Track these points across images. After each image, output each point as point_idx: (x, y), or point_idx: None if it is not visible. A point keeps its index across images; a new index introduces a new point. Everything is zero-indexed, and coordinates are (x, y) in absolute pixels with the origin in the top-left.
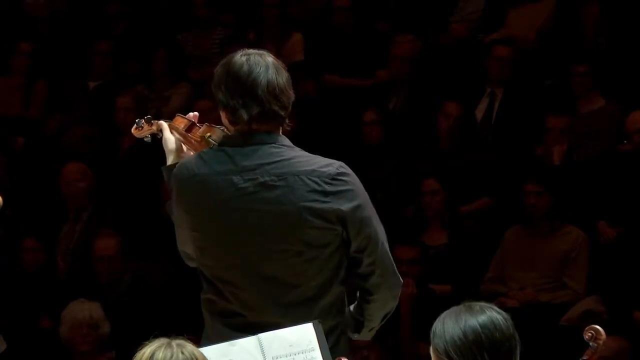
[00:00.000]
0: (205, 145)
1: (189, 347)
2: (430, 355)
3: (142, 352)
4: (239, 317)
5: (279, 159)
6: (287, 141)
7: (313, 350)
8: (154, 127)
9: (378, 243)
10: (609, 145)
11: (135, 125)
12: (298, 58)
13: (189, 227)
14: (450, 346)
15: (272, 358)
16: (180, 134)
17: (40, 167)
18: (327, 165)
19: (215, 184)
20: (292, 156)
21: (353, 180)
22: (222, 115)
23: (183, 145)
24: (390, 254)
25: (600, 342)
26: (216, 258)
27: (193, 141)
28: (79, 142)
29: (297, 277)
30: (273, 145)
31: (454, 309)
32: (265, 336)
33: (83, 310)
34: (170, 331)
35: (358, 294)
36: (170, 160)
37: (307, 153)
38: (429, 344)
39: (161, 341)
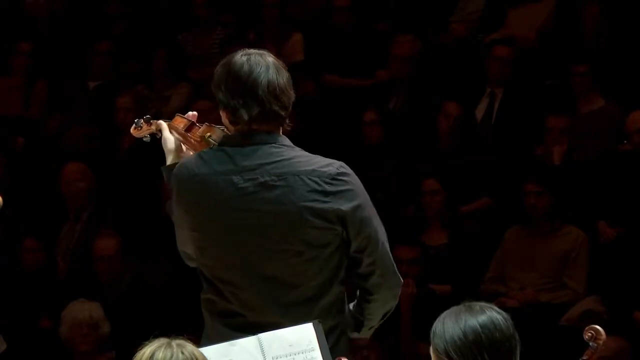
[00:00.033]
0: (205, 145)
1: (189, 347)
2: (430, 355)
3: (142, 352)
4: (239, 317)
5: (279, 158)
6: (287, 141)
7: (313, 350)
8: (153, 127)
9: (378, 243)
10: (609, 145)
11: (134, 125)
12: (298, 58)
13: (189, 227)
14: (450, 346)
15: (272, 358)
16: (179, 133)
17: (40, 167)
18: (328, 165)
19: (215, 184)
20: (293, 156)
21: (353, 180)
22: (222, 115)
23: (182, 145)
24: (390, 254)
25: (600, 342)
26: (216, 258)
27: (193, 141)
28: (79, 142)
29: (297, 277)
30: (273, 145)
31: (454, 309)
32: (265, 336)
33: (83, 310)
34: (170, 331)
35: (358, 293)
36: (169, 160)
37: (307, 153)
38: (429, 344)
39: (161, 341)
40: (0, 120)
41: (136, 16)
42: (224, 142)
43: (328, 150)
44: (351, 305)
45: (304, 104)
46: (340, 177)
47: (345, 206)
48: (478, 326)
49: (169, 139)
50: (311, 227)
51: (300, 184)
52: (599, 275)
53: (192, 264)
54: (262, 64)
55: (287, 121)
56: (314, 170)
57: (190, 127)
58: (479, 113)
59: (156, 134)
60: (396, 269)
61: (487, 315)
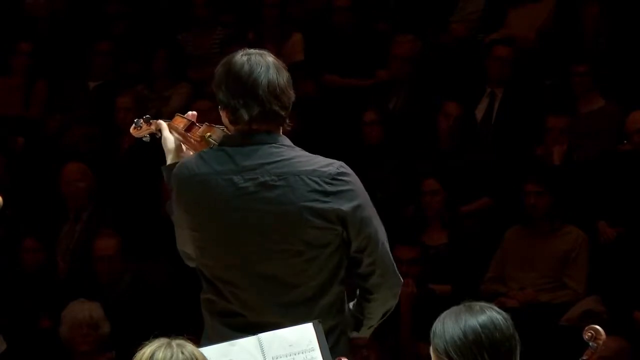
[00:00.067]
0: (205, 145)
1: (189, 347)
2: (430, 355)
3: (142, 352)
4: (239, 317)
5: (279, 158)
6: (287, 141)
7: (313, 350)
8: (153, 127)
9: (378, 243)
10: (609, 145)
11: (133, 125)
12: (298, 58)
13: (189, 227)
14: (450, 346)
15: (272, 358)
16: (179, 133)
17: (40, 167)
18: (328, 165)
19: (215, 184)
20: (293, 156)
21: (353, 180)
22: (223, 115)
23: (182, 144)
24: (390, 254)
25: (600, 342)
26: (216, 258)
27: (193, 141)
28: (79, 142)
29: (297, 277)
30: (273, 145)
31: (454, 309)
32: (265, 336)
33: (83, 310)
34: (170, 331)
35: (358, 293)
36: (169, 159)
37: (307, 153)
38: (429, 344)
39: (161, 341)
40: (0, 120)
41: (136, 16)
42: (224, 142)
43: (328, 150)
44: (351, 305)
45: (304, 104)
46: (340, 177)
47: (346, 206)
48: (478, 326)
49: (169, 138)
50: (311, 227)
51: (300, 184)
52: (599, 275)
53: (191, 264)
54: (263, 64)
55: (287, 121)
56: (314, 170)
57: (190, 127)
58: (479, 113)
59: (156, 133)
60: (396, 268)
61: (487, 315)
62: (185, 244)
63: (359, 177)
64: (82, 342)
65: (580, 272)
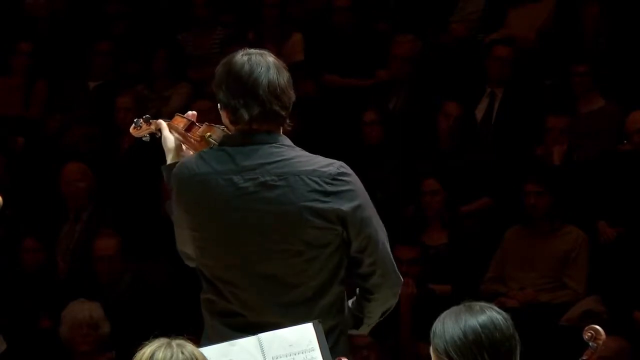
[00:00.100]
0: (205, 145)
1: (189, 347)
2: (430, 355)
3: (142, 352)
4: (239, 317)
5: (279, 158)
6: (287, 141)
7: (313, 350)
8: (153, 127)
9: (378, 243)
10: (609, 145)
11: (133, 124)
12: (298, 58)
13: (188, 226)
14: (450, 346)
15: (272, 358)
16: (179, 133)
17: (40, 167)
18: (328, 165)
19: (215, 184)
20: (293, 156)
21: (354, 180)
22: (223, 114)
23: (182, 144)
24: (391, 254)
25: (600, 342)
26: (216, 258)
27: (192, 140)
28: (79, 142)
29: (297, 277)
30: (274, 145)
31: (454, 309)
32: (265, 336)
33: (83, 310)
34: (170, 331)
35: (358, 292)
36: (169, 159)
37: (307, 153)
38: (429, 344)
39: (161, 341)
40: (0, 120)
41: (136, 16)
42: (225, 141)
43: (328, 150)
44: (350, 302)
45: (304, 104)
46: (340, 177)
47: (346, 206)
48: (478, 326)
49: (169, 138)
50: (311, 227)
51: (300, 184)
52: (599, 275)
53: (191, 264)
54: (263, 64)
55: (288, 121)
56: (314, 170)
57: (190, 126)
58: (479, 113)
59: (155, 133)
60: (396, 268)
61: (487, 315)
62: (185, 244)
63: (359, 177)
64: (82, 342)
65: (580, 272)
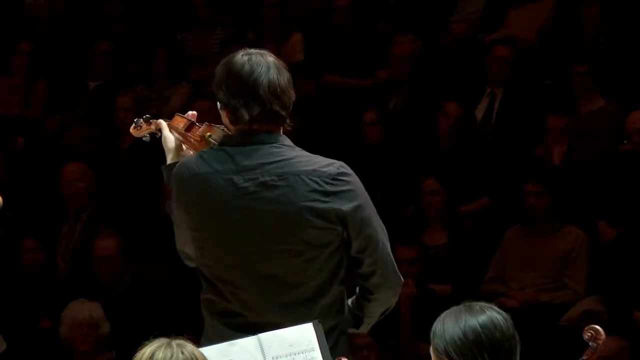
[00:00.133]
0: (205, 145)
1: (189, 347)
2: (430, 355)
3: (142, 352)
4: (238, 317)
5: (279, 158)
6: (287, 141)
7: (313, 350)
8: (153, 127)
9: (379, 243)
10: (609, 145)
11: (133, 124)
12: (298, 58)
13: (188, 226)
14: (450, 346)
15: (272, 358)
16: (179, 133)
17: (40, 167)
18: (328, 165)
19: (215, 184)
20: (293, 156)
21: (354, 180)
22: (223, 114)
23: (182, 144)
24: (391, 254)
25: (600, 342)
26: (216, 258)
27: (193, 140)
28: (79, 142)
29: (297, 277)
30: (274, 145)
31: (454, 309)
32: (265, 336)
33: (83, 310)
34: (170, 331)
35: (358, 291)
36: (169, 159)
37: (307, 153)
38: (429, 344)
39: (161, 341)
40: (0, 120)
41: (136, 16)
42: (225, 141)
43: (328, 150)
44: (349, 301)
45: (304, 104)
46: (340, 177)
47: (346, 206)
48: (478, 326)
49: (169, 137)
50: (311, 227)
51: (300, 184)
52: (599, 275)
53: (191, 264)
54: (263, 63)
55: (288, 121)
56: (314, 170)
57: (190, 126)
58: (479, 113)
59: (156, 133)
60: (397, 268)
61: (487, 315)
62: (185, 244)
63: (359, 177)
64: (82, 342)
65: (580, 272)
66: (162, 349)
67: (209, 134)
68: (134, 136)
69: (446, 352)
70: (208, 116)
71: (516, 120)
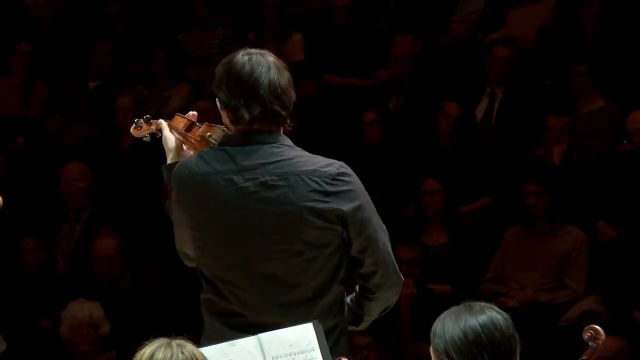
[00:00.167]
0: (205, 145)
1: (189, 347)
2: (430, 355)
3: (142, 352)
4: (238, 317)
5: (279, 158)
6: (288, 141)
7: (313, 350)
8: (153, 127)
9: (379, 243)
10: (609, 145)
11: (133, 124)
12: (298, 58)
13: (188, 226)
14: (450, 346)
15: (272, 358)
16: (179, 133)
17: (40, 167)
18: (328, 165)
19: (215, 184)
20: (293, 156)
21: (354, 180)
22: (223, 114)
23: (183, 144)
24: (392, 254)
25: (600, 342)
26: (216, 258)
27: (193, 140)
28: (79, 142)
29: (297, 277)
30: (274, 145)
31: (454, 309)
32: (265, 336)
33: (83, 310)
34: (170, 331)
35: (358, 289)
36: (169, 158)
37: (308, 153)
38: (429, 344)
39: (161, 341)
40: (0, 120)
41: (136, 16)
42: (225, 141)
43: (328, 150)
44: (348, 299)
45: (304, 104)
46: (341, 178)
47: (346, 206)
48: (478, 326)
49: (170, 137)
50: (311, 227)
51: (301, 184)
52: (599, 275)
53: (190, 264)
54: (264, 63)
55: (288, 121)
56: (314, 170)
57: (190, 126)
58: (479, 113)
59: (156, 133)
60: (397, 267)
61: (487, 315)
62: (185, 244)
63: (359, 177)
64: (82, 342)
65: (580, 272)
66: (162, 349)
67: (209, 134)
68: (134, 136)
69: (446, 352)
70: (208, 116)
71: (516, 120)
